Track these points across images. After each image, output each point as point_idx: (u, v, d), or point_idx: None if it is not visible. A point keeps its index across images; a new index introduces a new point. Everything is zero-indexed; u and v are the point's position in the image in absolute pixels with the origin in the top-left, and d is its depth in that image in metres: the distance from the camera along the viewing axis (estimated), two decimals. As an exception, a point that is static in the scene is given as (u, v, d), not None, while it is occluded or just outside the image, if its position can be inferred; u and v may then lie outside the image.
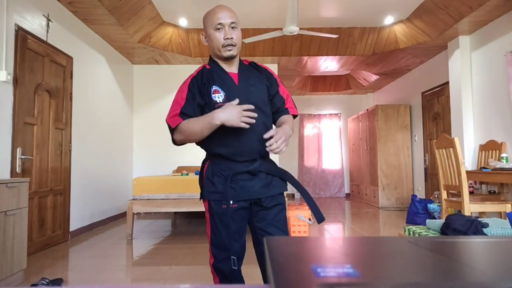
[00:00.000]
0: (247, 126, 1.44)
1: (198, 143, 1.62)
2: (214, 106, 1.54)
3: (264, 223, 1.60)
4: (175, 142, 1.62)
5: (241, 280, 1.64)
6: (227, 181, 1.54)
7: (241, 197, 1.56)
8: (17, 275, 2.68)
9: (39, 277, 2.79)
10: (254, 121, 1.45)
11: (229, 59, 1.60)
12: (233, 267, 1.54)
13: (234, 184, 1.56)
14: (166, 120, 1.58)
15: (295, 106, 1.77)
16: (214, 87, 1.56)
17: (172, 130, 1.58)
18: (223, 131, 1.51)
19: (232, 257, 1.55)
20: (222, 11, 1.57)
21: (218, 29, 1.56)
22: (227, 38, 1.55)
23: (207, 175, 1.61)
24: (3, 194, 2.48)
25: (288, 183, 1.70)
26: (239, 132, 1.50)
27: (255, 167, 1.56)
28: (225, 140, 1.54)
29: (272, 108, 1.69)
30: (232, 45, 1.56)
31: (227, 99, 1.54)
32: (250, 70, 1.69)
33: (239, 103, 1.48)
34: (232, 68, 1.64)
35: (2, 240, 2.47)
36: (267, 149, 1.48)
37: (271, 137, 1.48)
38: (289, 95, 1.76)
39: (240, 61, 1.68)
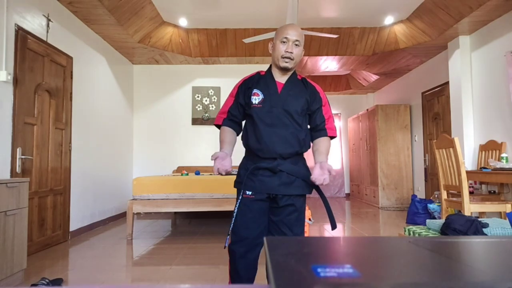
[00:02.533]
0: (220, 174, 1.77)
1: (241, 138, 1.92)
2: (250, 106, 1.79)
3: (277, 218, 1.79)
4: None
5: (249, 268, 1.75)
6: (246, 173, 1.76)
7: (257, 190, 1.75)
8: (17, 275, 2.68)
9: (39, 277, 2.79)
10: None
11: (283, 69, 1.81)
12: (225, 246, 1.73)
13: (255, 177, 1.77)
14: (218, 112, 1.94)
15: (335, 128, 1.91)
16: (255, 90, 1.80)
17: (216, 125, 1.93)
18: (253, 129, 1.77)
19: (228, 236, 1.75)
20: (292, 28, 1.80)
21: (283, 42, 1.78)
22: (287, 51, 1.77)
23: (239, 168, 1.88)
24: (3, 194, 2.48)
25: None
26: (264, 133, 1.74)
27: (274, 165, 1.74)
28: (254, 137, 1.78)
29: (311, 124, 1.89)
30: (290, 58, 1.78)
31: (264, 101, 1.78)
32: (297, 83, 1.86)
33: (275, 108, 1.75)
34: (282, 78, 1.84)
35: (2, 240, 2.47)
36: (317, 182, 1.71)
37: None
38: (331, 116, 1.91)
39: (293, 74, 1.88)
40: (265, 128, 1.74)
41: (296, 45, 1.79)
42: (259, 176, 1.76)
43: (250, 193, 1.76)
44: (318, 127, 1.86)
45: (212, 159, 1.72)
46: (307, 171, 1.82)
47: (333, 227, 1.73)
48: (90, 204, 4.88)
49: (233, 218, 1.77)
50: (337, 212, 6.58)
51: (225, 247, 1.77)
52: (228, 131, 1.86)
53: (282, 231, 1.77)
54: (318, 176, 1.69)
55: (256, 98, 1.78)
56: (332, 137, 1.90)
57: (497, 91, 4.58)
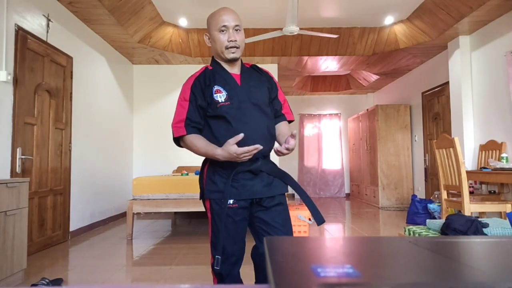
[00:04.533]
0: (246, 159, 1.49)
1: None
2: (216, 105, 1.55)
3: (265, 225, 1.59)
4: (179, 146, 1.65)
5: (239, 282, 1.63)
6: (228, 180, 1.53)
7: (242, 196, 1.54)
8: (17, 275, 2.68)
9: (39, 277, 2.79)
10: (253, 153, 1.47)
11: (232, 61, 1.62)
12: (216, 267, 1.51)
13: (236, 183, 1.55)
14: (171, 124, 1.60)
15: (291, 112, 1.81)
16: (216, 87, 1.57)
17: (175, 138, 1.61)
18: (227, 131, 1.54)
19: (216, 256, 1.52)
20: (227, 13, 1.59)
21: (222, 31, 1.58)
22: (230, 40, 1.57)
23: (208, 174, 1.60)
24: (3, 194, 2.48)
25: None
26: (242, 133, 1.50)
27: (257, 166, 1.56)
28: (228, 139, 1.50)
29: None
30: (235, 47, 1.58)
31: (229, 98, 1.56)
32: (252, 72, 1.71)
33: (243, 104, 1.55)
34: (234, 70, 1.66)
35: (2, 240, 2.47)
36: (282, 146, 1.56)
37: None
38: (286, 100, 1.80)
39: (242, 64, 1.71)
40: (242, 127, 1.52)
41: (237, 30, 1.59)
42: (241, 181, 1.55)
43: (232, 201, 1.53)
44: (277, 113, 1.73)
45: (232, 152, 1.44)
46: (280, 169, 1.67)
47: (319, 222, 1.54)
48: (90, 204, 4.88)
49: (215, 235, 1.55)
50: (337, 212, 6.58)
51: (214, 268, 1.53)
52: (201, 137, 1.58)
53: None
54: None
55: (221, 96, 1.55)
56: (290, 121, 1.78)
57: (497, 91, 4.58)
